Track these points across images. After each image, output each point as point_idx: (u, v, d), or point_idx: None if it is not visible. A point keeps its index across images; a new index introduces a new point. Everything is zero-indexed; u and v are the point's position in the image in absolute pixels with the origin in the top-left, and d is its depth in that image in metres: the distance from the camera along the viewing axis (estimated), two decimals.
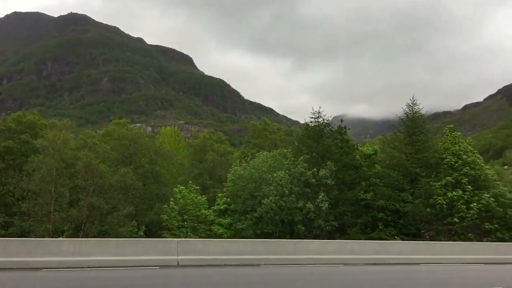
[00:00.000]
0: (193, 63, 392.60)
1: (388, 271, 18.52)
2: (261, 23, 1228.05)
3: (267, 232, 32.26)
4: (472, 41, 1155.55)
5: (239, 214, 34.18)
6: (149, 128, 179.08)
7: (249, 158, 38.27)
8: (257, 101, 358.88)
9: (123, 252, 17.59)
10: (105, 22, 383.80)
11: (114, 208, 33.61)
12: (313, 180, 33.62)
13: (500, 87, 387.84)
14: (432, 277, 17.19)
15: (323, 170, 33.68)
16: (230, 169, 37.87)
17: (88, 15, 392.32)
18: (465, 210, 33.06)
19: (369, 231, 33.82)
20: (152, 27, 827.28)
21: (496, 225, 33.85)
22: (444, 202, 33.34)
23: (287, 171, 34.06)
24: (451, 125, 41.04)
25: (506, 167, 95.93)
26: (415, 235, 33.77)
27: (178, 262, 17.81)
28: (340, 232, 33.68)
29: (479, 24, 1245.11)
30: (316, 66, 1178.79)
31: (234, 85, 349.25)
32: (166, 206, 34.36)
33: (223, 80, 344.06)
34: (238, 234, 32.84)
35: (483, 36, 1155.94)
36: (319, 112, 37.80)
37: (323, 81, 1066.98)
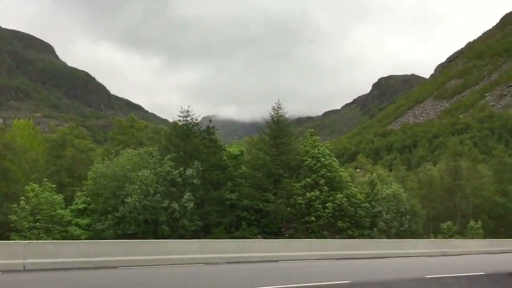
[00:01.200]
0: (55, 52, 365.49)
1: (247, 269, 18.86)
2: (133, 17, 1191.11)
3: (129, 232, 31.00)
4: (334, 53, 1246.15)
5: (99, 214, 32.36)
6: (0, 120, 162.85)
7: (112, 156, 36.45)
8: (125, 97, 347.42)
9: None
10: None
11: None
12: (180, 180, 33.18)
13: (355, 96, 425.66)
14: (289, 272, 17.90)
15: (190, 169, 33.42)
16: (91, 167, 35.71)
17: None
18: (321, 209, 35.38)
19: (233, 230, 34.36)
20: (9, 10, 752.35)
21: (347, 223, 36.74)
22: (303, 202, 35.29)
23: (152, 170, 33.15)
24: (312, 130, 43.68)
25: (358, 170, 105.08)
26: (276, 234, 35.16)
27: (24, 266, 16.13)
28: (205, 232, 33.70)
29: (341, 39, 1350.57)
30: (188, 66, 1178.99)
31: (100, 79, 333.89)
32: (15, 205, 31.12)
33: (88, 73, 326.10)
34: (97, 235, 31.00)
35: (343, 50, 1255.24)
36: (188, 111, 37.48)
37: (195, 81, 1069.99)
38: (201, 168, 34.06)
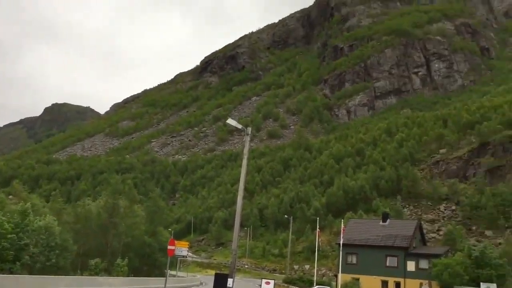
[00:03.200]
0: None
1: None
2: None
3: None
4: (4, 66, 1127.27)
5: None
6: None
7: None
8: None
9: None
10: None
11: None
12: None
13: (23, 117, 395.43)
14: None
15: None
16: None
17: None
18: None
19: None
20: None
21: None
22: None
23: None
24: None
25: (11, 196, 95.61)
26: None
27: None
28: None
29: (17, 53, 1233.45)
30: None
31: None
32: None
33: None
34: None
35: (18, 65, 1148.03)
36: None
37: None
38: None
